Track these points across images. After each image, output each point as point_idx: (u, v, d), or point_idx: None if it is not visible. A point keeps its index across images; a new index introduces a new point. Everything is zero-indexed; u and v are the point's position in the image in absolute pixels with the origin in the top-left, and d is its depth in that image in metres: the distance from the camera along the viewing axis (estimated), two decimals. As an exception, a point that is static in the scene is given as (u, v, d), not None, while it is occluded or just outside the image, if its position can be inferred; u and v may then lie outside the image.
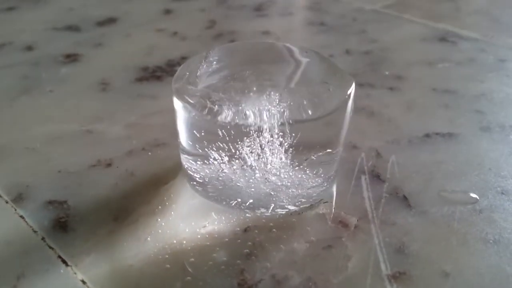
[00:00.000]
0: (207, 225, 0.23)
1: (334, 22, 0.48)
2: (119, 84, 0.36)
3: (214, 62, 0.24)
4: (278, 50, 0.25)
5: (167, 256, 0.22)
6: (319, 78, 0.23)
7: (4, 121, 0.32)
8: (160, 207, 0.24)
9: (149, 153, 0.28)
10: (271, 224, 0.23)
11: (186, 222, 0.23)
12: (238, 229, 0.23)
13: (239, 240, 0.22)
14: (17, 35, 0.44)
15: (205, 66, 0.24)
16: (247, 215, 0.23)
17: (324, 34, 0.45)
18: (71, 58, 0.40)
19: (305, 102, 0.21)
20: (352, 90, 0.22)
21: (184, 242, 0.22)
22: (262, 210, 0.23)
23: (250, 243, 0.22)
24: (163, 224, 0.23)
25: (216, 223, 0.23)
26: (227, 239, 0.22)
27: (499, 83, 0.36)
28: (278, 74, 0.23)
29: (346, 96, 0.22)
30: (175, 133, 0.24)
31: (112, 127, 0.31)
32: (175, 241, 0.22)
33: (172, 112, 0.23)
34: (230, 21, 0.49)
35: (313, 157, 0.22)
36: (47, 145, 0.29)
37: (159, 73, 0.37)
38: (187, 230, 0.23)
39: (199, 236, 0.23)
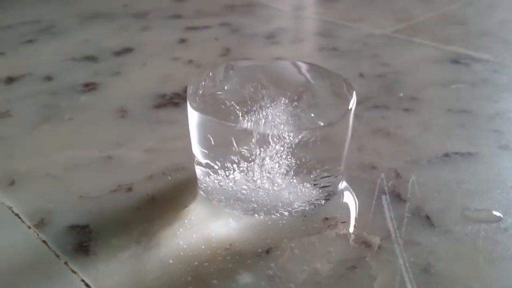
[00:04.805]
0: (229, 246, 0.23)
1: (346, 47, 0.49)
2: (137, 111, 0.37)
3: (223, 77, 0.26)
4: (286, 66, 0.27)
5: (189, 278, 0.21)
6: (324, 92, 0.26)
7: (26, 148, 0.32)
8: (181, 229, 0.24)
9: (169, 177, 0.28)
10: (292, 245, 0.23)
11: (208, 244, 0.23)
12: (260, 250, 0.23)
13: (261, 262, 0.22)
14: (36, 66, 0.45)
15: (214, 81, 0.26)
16: (269, 233, 0.24)
17: (337, 59, 0.46)
18: (90, 86, 0.41)
19: (310, 115, 0.23)
20: (354, 103, 0.24)
21: (206, 264, 0.22)
22: (272, 214, 0.24)
23: (272, 264, 0.22)
24: (185, 246, 0.23)
25: (238, 244, 0.23)
26: (249, 261, 0.22)
27: (515, 102, 0.37)
28: (286, 89, 0.25)
29: (348, 109, 0.24)
30: (193, 157, 0.25)
31: (132, 152, 0.31)
32: (197, 263, 0.22)
33: (189, 137, 0.24)
34: (243, 49, 0.49)
35: (315, 165, 0.24)
36: (68, 171, 0.29)
37: (176, 100, 0.38)
38: (208, 252, 0.23)
39: (221, 258, 0.22)
